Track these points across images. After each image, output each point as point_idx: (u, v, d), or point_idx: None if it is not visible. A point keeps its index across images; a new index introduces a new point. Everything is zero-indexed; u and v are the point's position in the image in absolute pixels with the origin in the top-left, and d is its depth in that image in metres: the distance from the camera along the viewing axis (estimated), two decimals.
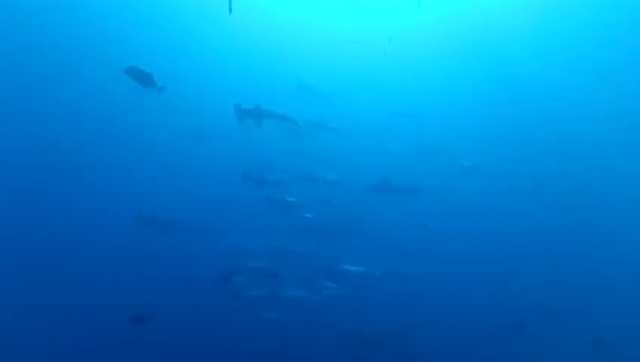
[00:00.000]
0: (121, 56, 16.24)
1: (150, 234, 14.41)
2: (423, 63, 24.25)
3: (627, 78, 21.14)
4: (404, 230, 17.39)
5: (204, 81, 23.43)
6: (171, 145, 19.93)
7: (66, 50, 20.69)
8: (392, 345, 11.37)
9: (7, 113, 19.05)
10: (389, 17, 22.39)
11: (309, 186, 14.61)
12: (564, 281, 15.67)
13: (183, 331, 12.17)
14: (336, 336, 11.23)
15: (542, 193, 20.01)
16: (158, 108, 20.72)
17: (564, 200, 19.64)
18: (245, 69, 24.42)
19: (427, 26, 22.63)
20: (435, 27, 22.63)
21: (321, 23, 23.59)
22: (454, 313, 13.62)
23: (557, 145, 21.11)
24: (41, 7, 19.79)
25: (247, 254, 13.16)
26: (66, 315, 12.54)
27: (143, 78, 9.10)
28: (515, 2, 20.53)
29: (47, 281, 13.62)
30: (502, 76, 23.68)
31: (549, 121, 21.69)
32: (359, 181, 13.22)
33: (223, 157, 18.16)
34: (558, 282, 15.54)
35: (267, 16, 23.10)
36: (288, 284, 12.17)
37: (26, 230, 15.38)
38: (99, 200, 17.16)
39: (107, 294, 13.06)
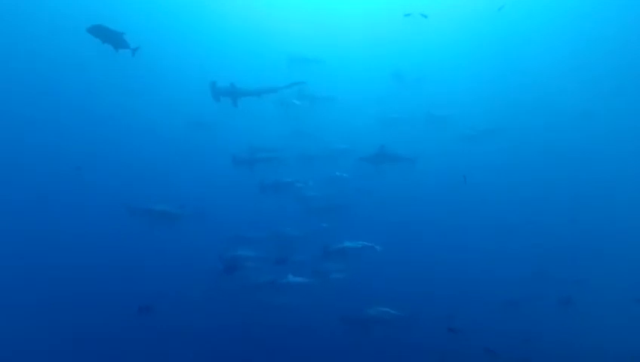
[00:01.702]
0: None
1: (151, 226, 14.21)
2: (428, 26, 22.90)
3: None
4: (415, 201, 16.98)
5: (197, 63, 22.81)
6: (167, 134, 19.51)
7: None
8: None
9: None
10: None
11: (309, 164, 14.12)
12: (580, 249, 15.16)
13: (189, 321, 12.08)
14: (347, 317, 10.90)
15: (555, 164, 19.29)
16: (152, 94, 20.34)
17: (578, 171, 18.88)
18: (234, 46, 23.64)
19: None
20: None
21: None
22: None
23: (571, 115, 20.15)
24: None
25: (250, 241, 12.91)
26: (77, 307, 12.57)
27: (113, 38, 8.30)
28: None
29: (55, 274, 13.70)
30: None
31: (557, 91, 20.71)
32: (358, 153, 12.53)
33: (217, 142, 17.62)
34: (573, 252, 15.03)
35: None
36: (293, 269, 11.84)
37: (30, 225, 15.36)
38: (95, 194, 16.89)
39: (110, 287, 13.01)
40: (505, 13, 20.37)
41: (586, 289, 13.43)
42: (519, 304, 12.78)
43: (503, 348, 10.66)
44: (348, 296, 11.43)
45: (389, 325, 10.48)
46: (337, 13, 22.90)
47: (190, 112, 18.81)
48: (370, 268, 12.17)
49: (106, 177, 17.40)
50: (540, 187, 18.77)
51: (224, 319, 11.89)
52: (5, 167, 16.81)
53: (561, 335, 11.59)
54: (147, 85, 20.35)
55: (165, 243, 14.38)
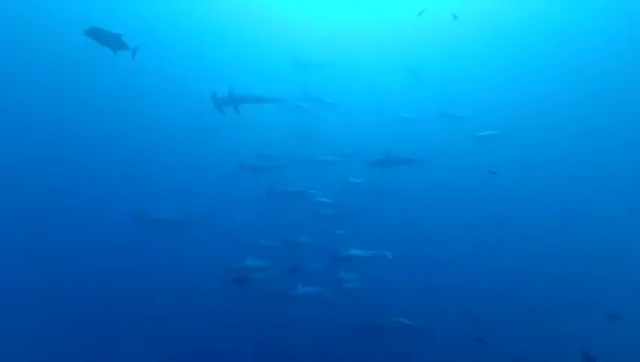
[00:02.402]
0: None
1: (160, 235, 14.10)
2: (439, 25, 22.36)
3: None
4: (428, 205, 16.56)
5: (203, 67, 22.67)
6: (171, 140, 19.26)
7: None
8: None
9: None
10: None
11: (320, 169, 13.78)
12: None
13: (198, 332, 11.85)
14: (360, 327, 10.57)
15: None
16: (158, 100, 20.16)
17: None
18: (239, 50, 23.42)
19: None
20: None
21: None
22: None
23: (586, 121, 19.61)
24: None
25: (262, 249, 12.62)
26: (85, 318, 12.37)
27: (110, 40, 7.95)
28: None
29: (59, 282, 13.49)
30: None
31: (574, 96, 20.18)
32: (369, 157, 12.13)
33: (226, 148, 17.30)
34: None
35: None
36: (305, 278, 11.53)
37: (33, 234, 15.19)
38: (102, 202, 16.70)
39: (120, 297, 12.82)
40: (523, 16, 20.01)
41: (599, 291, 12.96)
42: (542, 312, 12.26)
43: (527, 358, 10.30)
44: (360, 305, 11.12)
45: (403, 335, 10.18)
46: (343, 17, 22.62)
47: (197, 117, 18.60)
48: (384, 276, 11.80)
49: (113, 184, 17.20)
50: (555, 190, 18.22)
51: (234, 329, 11.63)
52: (7, 175, 16.69)
53: (589, 345, 11.12)
54: (153, 91, 20.18)
55: (174, 252, 14.14)
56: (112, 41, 7.98)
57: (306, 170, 13.50)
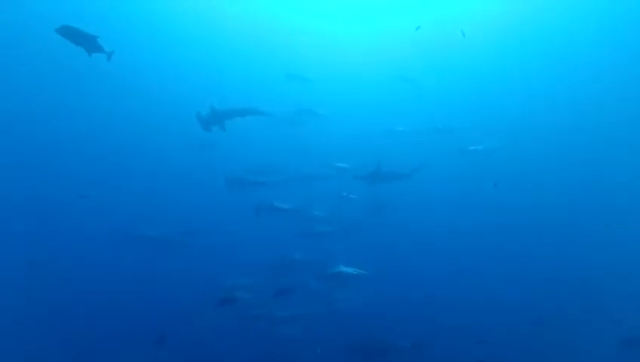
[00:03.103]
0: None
1: (149, 254, 13.79)
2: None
3: None
4: (419, 221, 16.32)
5: (194, 76, 22.60)
6: (162, 154, 19.00)
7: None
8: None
9: None
10: None
11: (307, 185, 13.57)
12: None
13: (190, 352, 11.45)
14: (352, 347, 10.19)
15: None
16: (149, 113, 19.99)
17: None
18: (232, 65, 23.37)
19: None
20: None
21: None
22: None
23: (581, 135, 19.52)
24: None
25: (251, 268, 12.30)
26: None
27: (85, 41, 7.47)
28: None
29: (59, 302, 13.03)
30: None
31: (569, 110, 20.20)
32: (362, 171, 11.88)
33: (213, 164, 17.03)
34: None
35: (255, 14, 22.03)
36: (298, 298, 11.17)
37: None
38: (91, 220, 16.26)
39: (103, 317, 12.35)
40: (520, 30, 20.12)
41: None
42: (546, 326, 11.90)
43: None
44: (353, 323, 10.76)
45: (399, 355, 9.84)
46: (337, 30, 22.75)
47: (189, 130, 18.33)
48: (378, 293, 11.46)
49: (103, 201, 16.84)
50: (556, 200, 17.99)
51: (223, 349, 11.19)
52: None
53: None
54: (143, 104, 19.99)
55: (162, 270, 13.76)
56: (87, 43, 7.52)
57: (298, 184, 13.28)
